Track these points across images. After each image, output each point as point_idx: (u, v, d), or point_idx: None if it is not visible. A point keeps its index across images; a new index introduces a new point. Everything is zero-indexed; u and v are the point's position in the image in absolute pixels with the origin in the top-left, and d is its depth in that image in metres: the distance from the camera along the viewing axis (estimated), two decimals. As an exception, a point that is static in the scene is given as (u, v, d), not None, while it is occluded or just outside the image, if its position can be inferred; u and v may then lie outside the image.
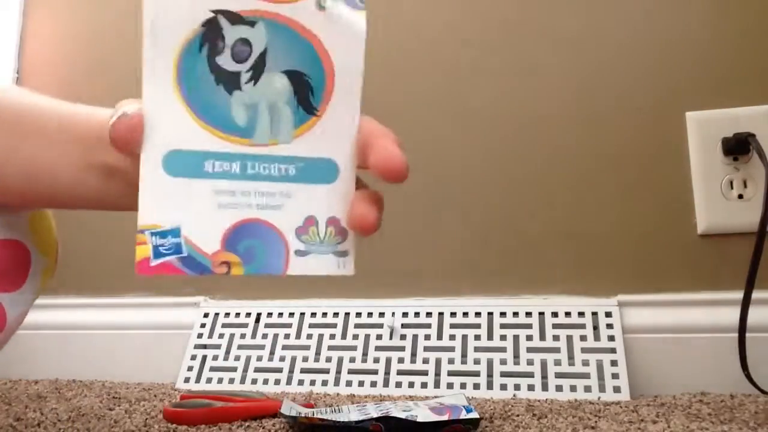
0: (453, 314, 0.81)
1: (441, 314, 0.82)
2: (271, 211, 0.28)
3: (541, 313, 0.79)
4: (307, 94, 0.27)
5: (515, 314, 0.79)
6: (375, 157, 0.29)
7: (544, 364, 0.74)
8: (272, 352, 0.84)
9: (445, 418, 0.52)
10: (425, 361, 0.78)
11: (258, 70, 0.27)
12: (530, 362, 0.75)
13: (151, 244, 0.28)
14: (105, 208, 0.39)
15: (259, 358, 0.84)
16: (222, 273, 0.28)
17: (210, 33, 0.27)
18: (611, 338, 0.74)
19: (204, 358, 0.86)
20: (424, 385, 0.76)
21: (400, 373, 0.78)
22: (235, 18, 0.26)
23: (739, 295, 0.70)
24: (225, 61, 0.27)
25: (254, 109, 0.27)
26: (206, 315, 0.91)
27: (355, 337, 0.83)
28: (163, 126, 0.27)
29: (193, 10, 0.26)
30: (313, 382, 0.80)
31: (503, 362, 0.76)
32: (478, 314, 0.81)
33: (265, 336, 0.86)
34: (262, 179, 0.28)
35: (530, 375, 0.74)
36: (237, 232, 0.28)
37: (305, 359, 0.82)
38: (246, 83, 0.27)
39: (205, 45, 0.27)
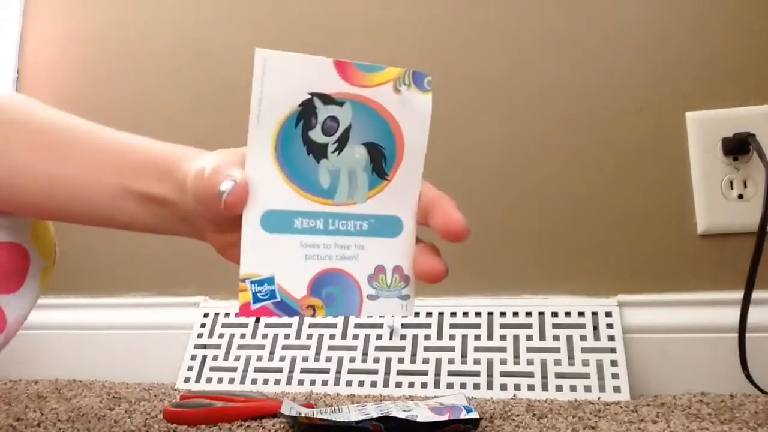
0: (453, 314, 0.81)
1: (441, 314, 0.82)
2: (348, 261, 0.33)
3: (541, 313, 0.79)
4: (381, 163, 0.32)
5: (515, 314, 0.79)
6: (439, 219, 0.35)
7: (544, 364, 0.74)
8: (272, 352, 0.84)
9: (445, 418, 0.52)
10: (425, 361, 0.78)
11: (342, 143, 0.31)
12: (530, 362, 0.75)
13: (251, 290, 0.32)
14: (133, 230, 0.41)
15: (259, 358, 0.84)
16: (308, 315, 0.32)
17: (306, 111, 0.31)
18: (611, 338, 0.74)
19: (204, 358, 0.86)
20: (424, 385, 0.76)
21: (400, 373, 0.78)
22: (327, 99, 0.31)
23: (739, 295, 0.70)
24: (316, 134, 0.31)
25: (336, 174, 0.32)
26: (206, 315, 0.91)
27: (355, 337, 0.83)
28: (262, 189, 0.32)
29: (294, 92, 0.31)
30: (313, 382, 0.80)
31: (503, 362, 0.76)
32: (478, 314, 0.81)
33: (265, 336, 0.86)
34: (340, 234, 0.33)
35: (530, 375, 0.74)
36: (320, 280, 0.33)
37: (305, 359, 0.82)
38: (332, 153, 0.32)
39: (300, 121, 0.31)
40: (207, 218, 0.37)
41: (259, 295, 0.32)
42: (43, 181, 0.39)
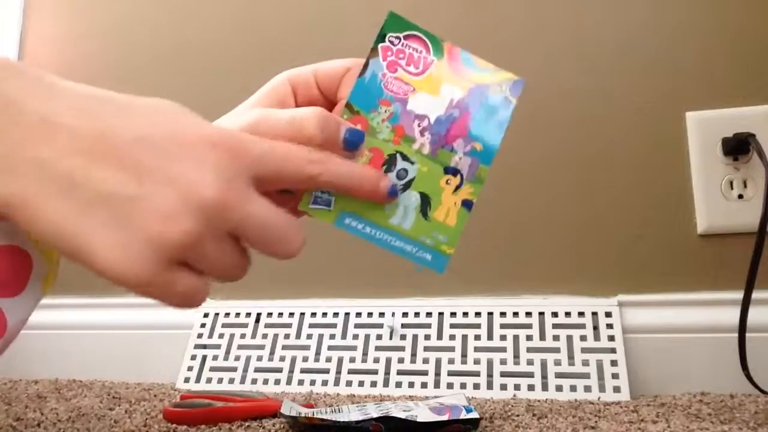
0: (453, 314, 0.81)
1: (441, 314, 0.82)
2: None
3: (541, 313, 0.79)
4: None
5: (515, 314, 0.79)
6: None
7: (544, 364, 0.74)
8: (272, 352, 0.84)
9: (445, 418, 0.52)
10: (425, 361, 0.78)
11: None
12: (530, 362, 0.75)
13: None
14: None
15: (259, 358, 0.84)
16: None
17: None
18: (611, 338, 0.74)
19: (204, 358, 0.86)
20: (424, 385, 0.76)
21: (400, 373, 0.78)
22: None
23: (739, 295, 0.70)
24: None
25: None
26: (206, 315, 0.91)
27: (355, 337, 0.83)
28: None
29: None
30: (313, 382, 0.80)
31: (503, 362, 0.76)
32: (478, 314, 0.81)
33: (265, 336, 0.86)
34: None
35: (530, 375, 0.74)
36: None
37: (305, 359, 0.82)
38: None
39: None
40: None
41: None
42: None
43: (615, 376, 0.71)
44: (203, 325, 0.90)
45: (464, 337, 0.79)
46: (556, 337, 0.76)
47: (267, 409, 0.63)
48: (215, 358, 0.86)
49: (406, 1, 0.94)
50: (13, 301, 0.41)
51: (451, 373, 0.76)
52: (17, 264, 0.41)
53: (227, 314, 0.90)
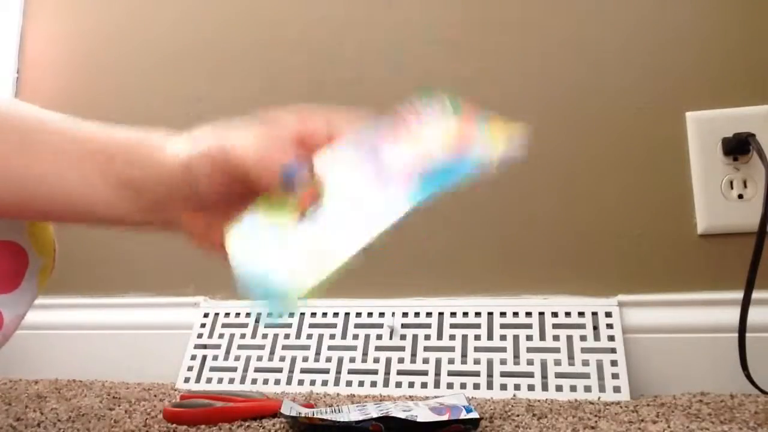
0: (453, 314, 0.81)
1: (441, 314, 0.82)
2: None
3: (541, 313, 0.79)
4: None
5: (515, 314, 0.79)
6: None
7: (544, 364, 0.74)
8: (272, 352, 0.84)
9: (445, 418, 0.52)
10: (425, 361, 0.78)
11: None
12: (530, 362, 0.75)
13: None
14: (111, 223, 0.41)
15: (259, 358, 0.84)
16: None
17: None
18: (611, 338, 0.74)
19: (204, 358, 0.86)
20: (424, 385, 0.76)
21: (400, 373, 0.78)
22: None
23: (739, 295, 0.70)
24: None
25: None
26: (206, 315, 0.91)
27: (355, 337, 0.82)
28: None
29: None
30: (313, 382, 0.80)
31: (503, 362, 0.76)
32: (478, 314, 0.81)
33: (265, 336, 0.86)
34: None
35: (530, 375, 0.74)
36: None
37: (305, 359, 0.82)
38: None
39: None
40: (192, 199, 0.39)
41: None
42: (17, 179, 0.38)
43: (615, 376, 0.71)
44: (203, 325, 0.90)
45: (464, 337, 0.79)
46: (556, 337, 0.76)
47: (267, 409, 0.63)
48: (215, 358, 0.86)
49: (412, 3, 0.94)
50: (9, 297, 0.41)
51: (451, 373, 0.76)
52: (13, 260, 0.41)
53: (227, 314, 0.90)
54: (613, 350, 0.73)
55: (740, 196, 0.76)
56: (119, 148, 0.40)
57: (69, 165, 0.39)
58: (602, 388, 0.71)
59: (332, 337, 0.83)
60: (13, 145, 0.38)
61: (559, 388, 0.72)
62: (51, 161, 0.38)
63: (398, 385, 0.77)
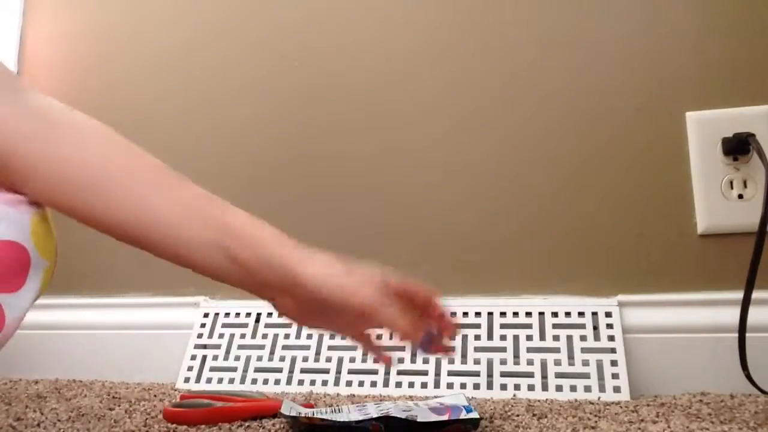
0: (453, 314, 0.81)
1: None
2: None
3: (541, 313, 0.79)
4: None
5: (515, 314, 0.79)
6: None
7: (544, 364, 0.74)
8: (272, 352, 0.84)
9: (444, 418, 0.52)
10: (425, 361, 0.78)
11: None
12: (530, 362, 0.75)
13: None
14: (206, 274, 0.46)
15: (259, 358, 0.84)
16: None
17: None
18: (611, 338, 0.74)
19: (204, 358, 0.86)
20: (424, 385, 0.76)
21: (400, 373, 0.78)
22: None
23: (739, 295, 0.70)
24: None
25: None
26: (206, 315, 0.91)
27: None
28: None
29: None
30: (313, 382, 0.80)
31: (503, 362, 0.76)
32: (478, 314, 0.81)
33: (265, 336, 0.86)
34: None
35: (530, 375, 0.74)
36: None
37: (305, 359, 0.82)
38: None
39: None
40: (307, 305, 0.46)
41: None
42: (132, 203, 0.42)
43: (615, 376, 0.71)
44: (203, 325, 0.90)
45: (464, 337, 0.79)
46: (556, 337, 0.76)
47: (267, 409, 0.63)
48: (215, 358, 0.86)
49: (405, 2, 0.94)
50: (12, 297, 0.41)
51: (451, 373, 0.76)
52: (17, 260, 0.41)
53: (227, 314, 0.90)
54: (613, 350, 0.73)
55: (740, 196, 0.76)
56: (249, 235, 0.44)
57: (188, 218, 0.43)
58: (602, 388, 0.71)
59: (332, 337, 0.83)
60: (140, 172, 0.43)
61: (559, 388, 0.72)
62: (169, 205, 0.43)
63: (398, 385, 0.77)
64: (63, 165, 0.41)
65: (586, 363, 0.73)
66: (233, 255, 0.44)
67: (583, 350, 0.74)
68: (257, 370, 0.83)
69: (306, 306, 0.46)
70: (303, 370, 0.81)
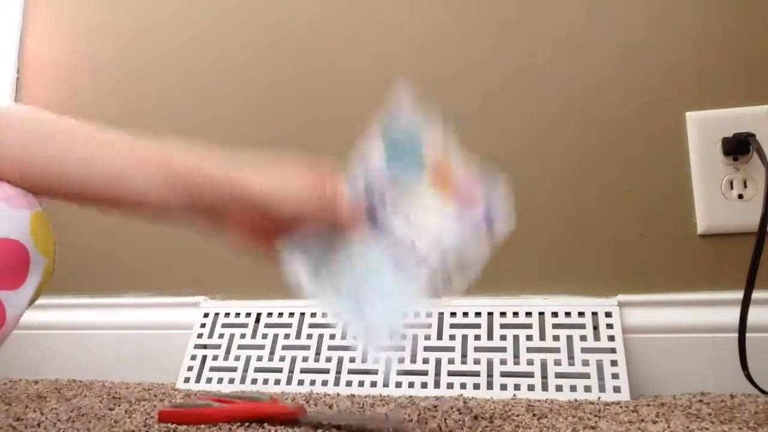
0: (453, 314, 0.81)
1: (441, 314, 0.82)
2: None
3: (541, 313, 0.78)
4: None
5: (515, 314, 0.79)
6: None
7: (544, 364, 0.74)
8: (272, 352, 0.84)
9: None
10: (425, 361, 0.78)
11: None
12: (530, 362, 0.75)
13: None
14: (153, 211, 0.47)
15: (259, 358, 0.84)
16: None
17: None
18: (611, 338, 0.74)
19: (204, 358, 0.86)
20: (424, 385, 0.76)
21: (400, 373, 0.78)
22: None
23: (739, 295, 0.70)
24: None
25: None
26: (206, 315, 0.91)
27: (355, 337, 0.82)
28: None
29: None
30: (313, 382, 0.80)
31: (503, 362, 0.76)
32: (478, 314, 0.81)
33: (265, 336, 0.86)
34: None
35: (530, 375, 0.74)
36: None
37: (305, 359, 0.82)
38: None
39: None
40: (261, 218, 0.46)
41: None
42: (84, 162, 0.44)
43: (615, 376, 0.71)
44: (203, 325, 0.90)
45: (464, 337, 0.79)
46: (556, 337, 0.76)
47: (266, 409, 0.62)
48: (215, 358, 0.86)
49: (406, 1, 0.94)
50: (13, 294, 0.41)
51: (451, 373, 0.76)
52: (17, 257, 0.41)
53: (227, 314, 0.90)
54: (613, 350, 0.73)
55: (740, 196, 0.76)
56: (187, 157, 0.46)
57: (136, 166, 0.45)
58: (602, 388, 0.71)
59: (332, 337, 0.83)
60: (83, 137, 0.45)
61: (559, 388, 0.72)
62: (118, 158, 0.45)
63: (398, 385, 0.77)
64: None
65: (586, 363, 0.73)
66: (181, 186, 0.45)
67: (583, 350, 0.74)
68: (257, 370, 0.83)
69: (260, 222, 0.47)
70: (303, 370, 0.81)
